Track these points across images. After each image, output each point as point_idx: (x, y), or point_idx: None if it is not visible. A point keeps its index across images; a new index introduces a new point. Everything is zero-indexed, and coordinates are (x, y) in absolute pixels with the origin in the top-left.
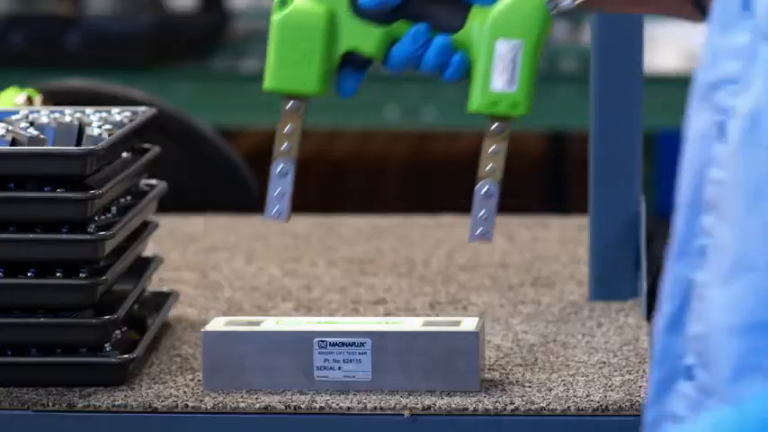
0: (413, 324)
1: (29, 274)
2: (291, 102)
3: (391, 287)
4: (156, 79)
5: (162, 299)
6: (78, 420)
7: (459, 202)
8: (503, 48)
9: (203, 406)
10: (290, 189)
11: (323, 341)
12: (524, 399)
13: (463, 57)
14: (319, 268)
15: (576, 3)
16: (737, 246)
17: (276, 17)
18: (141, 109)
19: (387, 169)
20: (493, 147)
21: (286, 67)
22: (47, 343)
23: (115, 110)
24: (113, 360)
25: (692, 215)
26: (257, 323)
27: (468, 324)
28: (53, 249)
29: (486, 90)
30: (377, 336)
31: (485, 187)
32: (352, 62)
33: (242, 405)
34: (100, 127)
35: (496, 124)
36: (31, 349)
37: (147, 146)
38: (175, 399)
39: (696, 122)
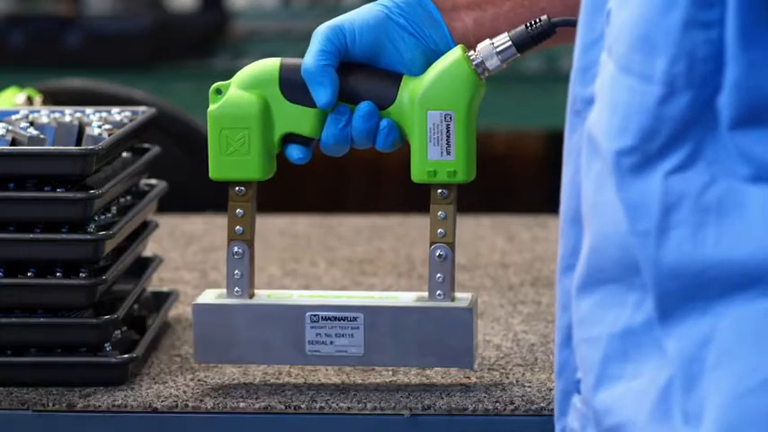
0: (406, 299)
1: (29, 274)
2: (238, 187)
3: (391, 287)
4: (156, 79)
5: (162, 299)
6: (78, 420)
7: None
8: (435, 118)
9: (203, 406)
10: (248, 269)
11: (315, 315)
12: (524, 399)
13: (391, 123)
14: (319, 268)
15: (505, 62)
16: (593, 257)
17: (211, 108)
18: (141, 109)
19: (387, 169)
20: (440, 212)
21: (227, 155)
22: (47, 343)
23: (115, 110)
24: (113, 360)
25: (573, 232)
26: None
27: (462, 300)
28: (53, 249)
29: (424, 160)
30: (370, 311)
31: (437, 251)
32: (294, 141)
33: (242, 405)
34: (100, 127)
35: (440, 190)
36: (30, 349)
37: (147, 146)
38: (175, 399)
39: (572, 137)
